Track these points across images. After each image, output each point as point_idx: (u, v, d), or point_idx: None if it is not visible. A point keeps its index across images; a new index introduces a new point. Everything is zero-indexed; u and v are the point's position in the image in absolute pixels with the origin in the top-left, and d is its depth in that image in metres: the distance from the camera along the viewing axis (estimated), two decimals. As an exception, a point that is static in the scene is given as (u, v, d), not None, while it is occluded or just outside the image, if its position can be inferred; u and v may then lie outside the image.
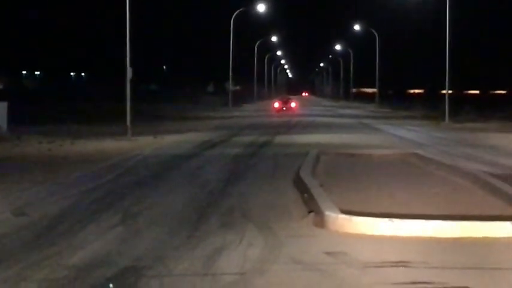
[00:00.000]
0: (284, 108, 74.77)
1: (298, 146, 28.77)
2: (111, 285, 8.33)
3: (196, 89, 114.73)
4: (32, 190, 16.10)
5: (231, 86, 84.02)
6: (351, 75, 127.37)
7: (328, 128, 43.95)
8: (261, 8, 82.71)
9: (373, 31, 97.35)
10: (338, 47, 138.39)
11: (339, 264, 9.63)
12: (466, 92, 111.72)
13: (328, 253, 10.16)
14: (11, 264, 9.46)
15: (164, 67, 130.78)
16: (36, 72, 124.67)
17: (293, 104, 77.27)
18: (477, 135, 37.42)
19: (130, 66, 36.26)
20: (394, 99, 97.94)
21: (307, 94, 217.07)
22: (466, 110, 60.06)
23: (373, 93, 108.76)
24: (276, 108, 75.03)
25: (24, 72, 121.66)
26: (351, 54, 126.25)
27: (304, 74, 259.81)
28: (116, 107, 50.09)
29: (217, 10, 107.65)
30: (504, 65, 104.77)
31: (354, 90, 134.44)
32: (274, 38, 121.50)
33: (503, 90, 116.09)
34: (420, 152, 24.94)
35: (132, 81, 36.60)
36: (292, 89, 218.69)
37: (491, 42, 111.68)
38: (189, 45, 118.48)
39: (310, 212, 13.03)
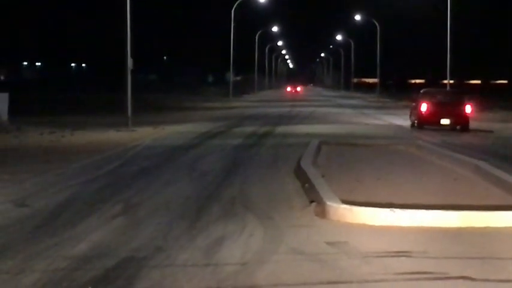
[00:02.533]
0: (293, 91, 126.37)
1: (299, 136, 28.77)
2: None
3: (197, 79, 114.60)
4: (33, 181, 16.08)
5: (231, 77, 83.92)
6: (352, 65, 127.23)
7: (328, 118, 43.94)
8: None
9: (374, 21, 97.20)
10: (339, 37, 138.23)
11: (340, 254, 9.62)
12: (467, 81, 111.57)
13: (329, 243, 10.15)
14: (12, 255, 9.45)
15: (164, 57, 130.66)
16: (36, 63, 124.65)
17: (298, 89, 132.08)
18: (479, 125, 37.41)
19: (131, 56, 36.17)
20: (395, 89, 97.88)
21: (311, 85, 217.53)
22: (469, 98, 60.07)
23: (374, 83, 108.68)
24: (289, 91, 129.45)
25: (24, 63, 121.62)
26: (352, 45, 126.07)
27: (305, 64, 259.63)
28: (115, 97, 50.08)
29: (218, 0, 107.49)
30: (506, 54, 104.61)
31: (355, 80, 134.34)
32: (275, 28, 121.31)
33: (504, 80, 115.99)
34: (421, 141, 24.95)
35: (131, 71, 36.52)
36: (293, 79, 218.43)
37: (494, 31, 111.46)
38: (189, 35, 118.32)
39: (311, 202, 13.03)
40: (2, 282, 8.32)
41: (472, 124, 34.02)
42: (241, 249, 9.77)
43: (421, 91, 36.71)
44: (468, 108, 33.89)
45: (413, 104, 36.26)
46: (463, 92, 40.64)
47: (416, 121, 34.62)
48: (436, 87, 48.31)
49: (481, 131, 33.64)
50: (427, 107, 33.69)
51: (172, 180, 16.40)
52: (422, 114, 33.84)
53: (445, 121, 33.24)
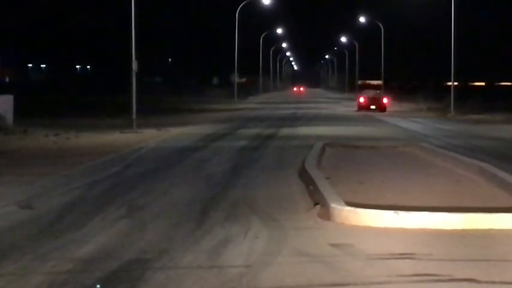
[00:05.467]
0: (298, 90, 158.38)
1: (303, 138, 28.78)
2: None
3: (201, 82, 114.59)
4: (38, 183, 16.12)
5: (236, 79, 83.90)
6: (357, 67, 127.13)
7: (333, 120, 43.95)
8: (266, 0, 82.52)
9: (379, 23, 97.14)
10: (343, 39, 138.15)
11: (344, 256, 9.63)
12: (471, 83, 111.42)
13: (333, 245, 10.16)
14: (17, 257, 9.48)
15: (169, 59, 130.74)
16: (42, 65, 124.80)
17: (301, 89, 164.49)
18: (482, 127, 37.41)
19: (136, 58, 36.21)
20: (400, 91, 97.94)
21: (317, 88, 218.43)
22: (473, 100, 60.10)
23: (378, 85, 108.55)
24: (294, 91, 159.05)
25: (30, 65, 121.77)
26: (356, 47, 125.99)
27: (309, 66, 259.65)
28: (120, 99, 50.14)
29: (223, 2, 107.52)
30: (510, 56, 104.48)
31: (360, 82, 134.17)
32: (279, 30, 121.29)
33: (508, 81, 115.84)
34: (425, 144, 24.94)
35: (136, 73, 36.56)
36: (298, 81, 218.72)
37: (497, 33, 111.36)
38: (194, 38, 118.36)
39: (315, 204, 13.04)
40: (7, 284, 8.35)
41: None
42: (245, 251, 9.78)
43: (361, 91, 68.43)
44: (385, 100, 57.81)
45: (357, 97, 60.83)
46: (384, 91, 67.09)
47: (357, 107, 57.52)
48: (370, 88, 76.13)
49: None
50: (363, 99, 58.07)
51: (177, 182, 16.42)
52: (360, 103, 57.82)
53: (372, 107, 56.36)
